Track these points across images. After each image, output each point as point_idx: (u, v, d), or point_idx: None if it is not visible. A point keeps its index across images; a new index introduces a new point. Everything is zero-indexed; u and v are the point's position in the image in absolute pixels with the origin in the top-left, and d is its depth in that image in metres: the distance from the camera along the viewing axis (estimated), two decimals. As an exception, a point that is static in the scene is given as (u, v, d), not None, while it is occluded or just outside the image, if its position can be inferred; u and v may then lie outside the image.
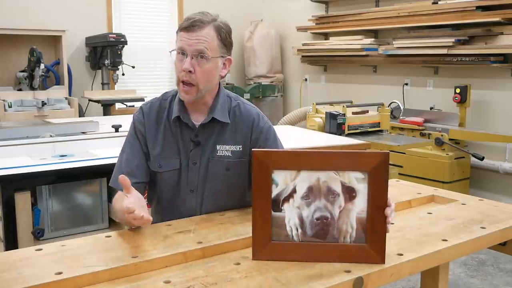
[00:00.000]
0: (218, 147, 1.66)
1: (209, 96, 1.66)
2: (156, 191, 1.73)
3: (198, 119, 1.67)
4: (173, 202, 1.70)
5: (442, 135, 4.46)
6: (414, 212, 1.77)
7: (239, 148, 1.67)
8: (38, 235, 2.21)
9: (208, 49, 1.57)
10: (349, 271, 1.22)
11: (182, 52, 1.57)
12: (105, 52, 5.45)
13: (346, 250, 1.29)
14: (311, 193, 1.29)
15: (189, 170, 1.66)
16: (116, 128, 2.97)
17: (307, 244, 1.29)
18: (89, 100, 5.40)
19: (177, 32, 1.62)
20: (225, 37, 1.61)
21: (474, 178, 4.73)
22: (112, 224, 2.50)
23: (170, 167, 1.66)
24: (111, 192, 2.48)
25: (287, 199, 1.30)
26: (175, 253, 1.31)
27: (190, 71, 1.56)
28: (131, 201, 1.40)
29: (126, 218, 1.41)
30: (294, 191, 1.29)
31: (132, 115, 1.74)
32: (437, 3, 4.81)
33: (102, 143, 2.73)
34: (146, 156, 1.68)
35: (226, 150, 1.67)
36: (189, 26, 1.56)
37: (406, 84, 5.43)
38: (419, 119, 4.79)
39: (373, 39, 5.53)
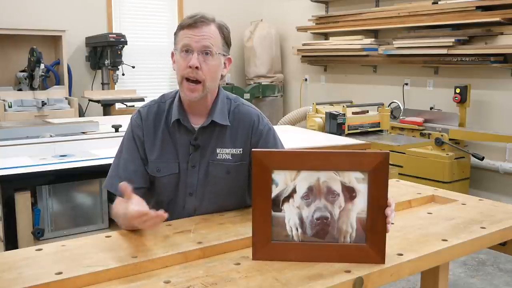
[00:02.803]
0: (218, 150, 1.65)
1: (210, 98, 1.65)
2: (154, 194, 1.72)
3: (197, 122, 1.65)
4: (172, 204, 1.69)
5: (442, 135, 4.46)
6: (414, 212, 1.77)
7: (239, 151, 1.66)
8: (38, 235, 2.21)
9: (214, 45, 1.56)
10: (349, 271, 1.22)
11: (186, 50, 1.55)
12: (105, 52, 5.45)
13: (346, 250, 1.29)
14: (311, 193, 1.29)
15: (188, 173, 1.65)
16: (116, 128, 2.97)
17: (307, 244, 1.29)
18: (89, 100, 5.40)
19: (176, 32, 1.61)
20: (227, 36, 1.62)
21: (474, 178, 4.73)
22: (112, 224, 2.49)
23: (168, 172, 1.65)
24: (111, 192, 2.48)
25: (287, 199, 1.30)
26: (175, 253, 1.31)
27: (196, 67, 1.54)
28: (137, 205, 1.38)
29: (135, 223, 1.39)
30: (294, 191, 1.29)
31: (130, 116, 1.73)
32: (437, 3, 4.81)
33: (102, 143, 2.72)
34: (143, 161, 1.66)
35: (226, 154, 1.65)
36: (193, 22, 1.55)
37: (406, 84, 5.43)
38: (419, 119, 4.79)
39: (373, 39, 5.53)
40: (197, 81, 1.56)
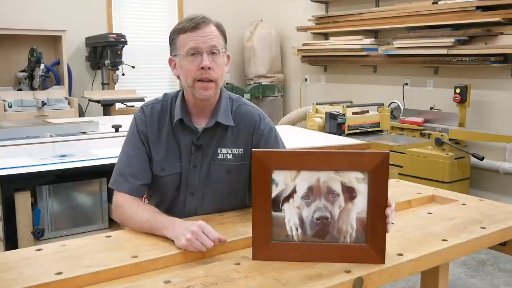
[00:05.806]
0: (219, 150, 1.65)
1: (214, 97, 1.65)
2: (157, 193, 1.72)
3: (200, 122, 1.65)
4: (173, 204, 1.69)
5: (442, 135, 4.46)
6: (414, 212, 1.77)
7: (241, 151, 1.66)
8: (38, 235, 2.21)
9: (218, 44, 1.58)
10: (349, 271, 1.22)
11: (193, 53, 1.56)
12: (105, 52, 5.45)
13: (346, 250, 1.29)
14: (311, 193, 1.29)
15: (189, 173, 1.65)
16: (116, 128, 2.97)
17: (307, 244, 1.29)
18: (89, 100, 5.40)
19: (174, 38, 1.62)
20: (225, 33, 1.64)
21: (474, 178, 4.73)
22: (112, 224, 2.50)
23: (172, 171, 1.65)
24: (111, 192, 2.48)
25: (287, 199, 1.30)
26: (175, 253, 1.31)
27: (209, 68, 1.55)
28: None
29: (193, 229, 1.34)
30: (294, 191, 1.29)
31: (132, 115, 1.72)
32: (437, 3, 4.81)
33: (102, 143, 2.73)
34: (148, 157, 1.66)
35: (227, 153, 1.65)
36: (196, 25, 1.56)
37: (406, 84, 5.43)
38: (419, 119, 4.79)
39: (373, 39, 5.53)
40: (209, 80, 1.57)
